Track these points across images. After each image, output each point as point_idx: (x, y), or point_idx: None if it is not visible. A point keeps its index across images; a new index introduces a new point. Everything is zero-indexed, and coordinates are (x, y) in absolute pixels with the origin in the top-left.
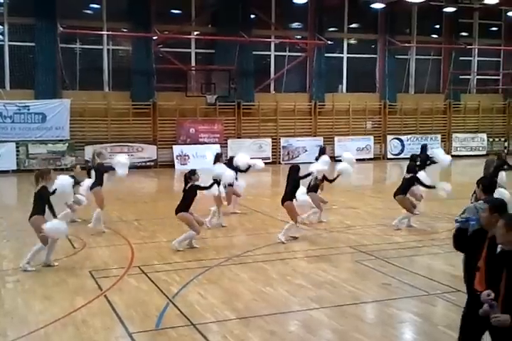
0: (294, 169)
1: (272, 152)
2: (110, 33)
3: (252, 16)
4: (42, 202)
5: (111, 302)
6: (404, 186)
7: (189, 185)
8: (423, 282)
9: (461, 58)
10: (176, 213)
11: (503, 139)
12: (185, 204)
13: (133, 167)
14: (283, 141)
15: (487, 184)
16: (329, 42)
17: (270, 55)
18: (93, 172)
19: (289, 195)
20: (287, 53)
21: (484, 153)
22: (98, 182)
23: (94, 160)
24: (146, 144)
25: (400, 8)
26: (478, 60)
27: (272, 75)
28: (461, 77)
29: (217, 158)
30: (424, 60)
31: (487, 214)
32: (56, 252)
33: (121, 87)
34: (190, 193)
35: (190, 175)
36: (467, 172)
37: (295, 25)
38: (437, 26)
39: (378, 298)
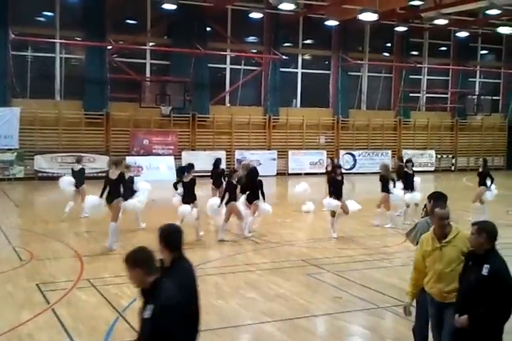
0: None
1: (226, 165)
2: (63, 41)
3: (208, 29)
4: (119, 187)
5: (58, 315)
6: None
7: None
8: (373, 295)
9: (411, 76)
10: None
11: (450, 156)
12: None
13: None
14: (237, 154)
15: (439, 200)
16: (284, 57)
17: (226, 68)
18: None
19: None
20: (243, 67)
21: (433, 169)
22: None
23: (126, 171)
24: (98, 155)
25: (353, 26)
26: (427, 79)
27: (227, 88)
28: (411, 94)
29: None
30: (376, 77)
31: (475, 236)
32: (1, 264)
33: (73, 96)
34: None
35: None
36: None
37: (251, 39)
38: (389, 45)
39: (329, 311)
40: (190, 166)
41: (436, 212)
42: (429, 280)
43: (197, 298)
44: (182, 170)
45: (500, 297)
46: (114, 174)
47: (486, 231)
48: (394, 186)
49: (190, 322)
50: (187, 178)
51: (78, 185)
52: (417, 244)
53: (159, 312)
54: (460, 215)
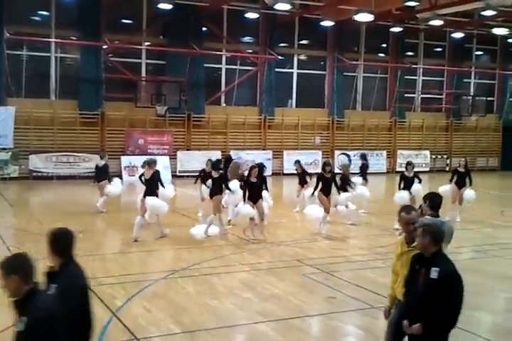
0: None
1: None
2: (58, 40)
3: (204, 29)
4: (156, 183)
5: None
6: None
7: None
8: (367, 295)
9: (406, 77)
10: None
11: (445, 156)
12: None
13: (79, 177)
14: (232, 154)
15: (433, 201)
16: (280, 57)
17: (221, 68)
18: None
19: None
20: (238, 67)
21: (427, 169)
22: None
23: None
24: (93, 154)
25: (348, 26)
26: (422, 79)
27: (223, 88)
28: (406, 95)
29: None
30: (372, 77)
31: (420, 237)
32: None
33: (68, 96)
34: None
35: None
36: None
37: (246, 39)
38: (384, 45)
39: (323, 312)
40: (219, 162)
41: (402, 217)
42: (398, 284)
43: (88, 304)
44: (217, 165)
45: (450, 301)
46: (148, 174)
47: (431, 233)
48: (351, 186)
49: (76, 332)
50: (217, 173)
51: (100, 180)
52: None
53: (32, 325)
54: (455, 216)
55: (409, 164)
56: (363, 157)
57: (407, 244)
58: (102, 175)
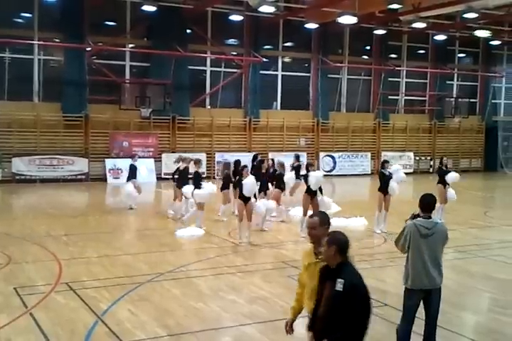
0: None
1: (207, 167)
2: (41, 42)
3: (188, 31)
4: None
5: (36, 319)
6: None
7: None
8: None
9: (390, 79)
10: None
11: (428, 158)
12: None
13: (63, 180)
14: (218, 156)
15: (425, 202)
16: (264, 59)
17: (206, 70)
18: None
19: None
20: (223, 69)
21: (411, 171)
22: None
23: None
24: (77, 157)
25: (332, 29)
26: (406, 82)
27: (208, 90)
28: (390, 97)
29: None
30: (355, 79)
31: (326, 248)
32: None
33: (51, 98)
34: None
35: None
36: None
37: (231, 41)
38: (368, 48)
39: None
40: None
41: (307, 221)
42: (305, 296)
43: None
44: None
45: (356, 314)
46: (181, 167)
47: (335, 243)
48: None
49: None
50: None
51: (181, 185)
52: (408, 250)
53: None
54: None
55: (386, 162)
56: (297, 158)
57: (315, 255)
58: (183, 179)
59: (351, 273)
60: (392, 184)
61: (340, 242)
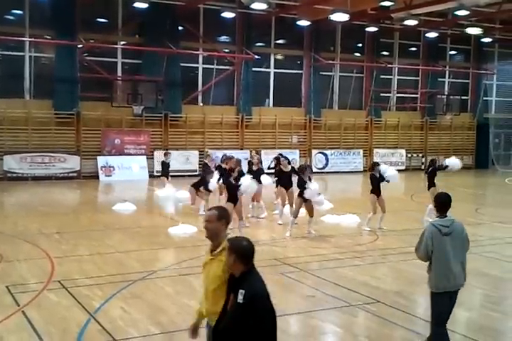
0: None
1: (199, 164)
2: (33, 39)
3: (180, 28)
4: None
5: (29, 318)
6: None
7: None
8: (345, 293)
9: (382, 76)
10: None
11: (420, 155)
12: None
13: (55, 178)
14: (211, 153)
15: (440, 202)
16: (257, 56)
17: (198, 67)
18: None
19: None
20: (215, 66)
21: (403, 168)
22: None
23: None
24: (69, 154)
25: (324, 26)
26: (398, 79)
27: (200, 87)
28: (381, 94)
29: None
30: (348, 77)
31: (227, 256)
32: None
33: (43, 96)
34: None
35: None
36: (387, 186)
37: (223, 38)
38: (360, 45)
39: (302, 310)
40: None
41: (205, 214)
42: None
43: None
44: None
45: (258, 328)
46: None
47: (235, 250)
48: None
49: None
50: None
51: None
52: (431, 256)
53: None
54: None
55: (376, 165)
56: (277, 159)
57: (210, 253)
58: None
59: (254, 282)
60: (389, 172)
61: (240, 249)
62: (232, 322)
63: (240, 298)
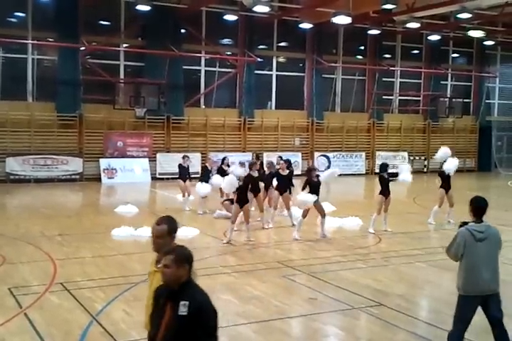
0: None
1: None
2: (35, 42)
3: (183, 31)
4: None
5: (31, 320)
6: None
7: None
8: (347, 296)
9: (384, 79)
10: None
11: (423, 158)
12: None
13: (57, 180)
14: (213, 156)
15: (476, 206)
16: (259, 59)
17: (200, 69)
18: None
19: None
20: (217, 69)
21: None
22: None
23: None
24: (71, 157)
25: (327, 29)
26: (400, 82)
27: (202, 90)
28: (384, 97)
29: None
30: (350, 79)
31: (173, 268)
32: None
33: (45, 98)
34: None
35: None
36: (391, 188)
37: (225, 41)
38: (362, 48)
39: (304, 313)
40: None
41: (151, 228)
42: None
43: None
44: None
45: (207, 338)
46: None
47: (186, 260)
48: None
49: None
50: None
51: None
52: (461, 257)
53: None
54: (441, 218)
55: (384, 166)
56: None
57: (156, 262)
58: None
59: (196, 293)
60: (402, 176)
61: (191, 259)
62: (175, 335)
63: (183, 310)
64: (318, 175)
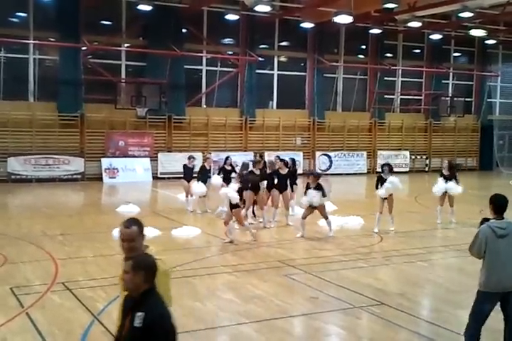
0: None
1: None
2: (37, 42)
3: (184, 30)
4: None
5: (33, 319)
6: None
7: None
8: (349, 295)
9: (385, 78)
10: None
11: (424, 157)
12: None
13: (59, 180)
14: (214, 155)
15: (498, 204)
16: (260, 58)
17: (202, 69)
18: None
19: None
20: (219, 68)
21: (407, 170)
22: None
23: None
24: (73, 156)
25: (328, 28)
26: (401, 81)
27: (204, 90)
28: (385, 96)
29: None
30: (351, 79)
31: (131, 275)
32: None
33: (47, 98)
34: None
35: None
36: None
37: (227, 41)
38: (364, 47)
39: (305, 312)
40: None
41: (120, 231)
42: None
43: None
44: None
45: None
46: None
47: (144, 268)
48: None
49: None
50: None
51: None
52: (484, 254)
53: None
54: (444, 218)
55: (384, 165)
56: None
57: None
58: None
59: (154, 304)
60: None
61: (149, 266)
62: None
63: (138, 322)
64: (317, 175)
